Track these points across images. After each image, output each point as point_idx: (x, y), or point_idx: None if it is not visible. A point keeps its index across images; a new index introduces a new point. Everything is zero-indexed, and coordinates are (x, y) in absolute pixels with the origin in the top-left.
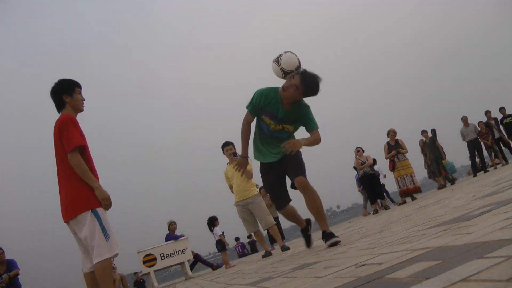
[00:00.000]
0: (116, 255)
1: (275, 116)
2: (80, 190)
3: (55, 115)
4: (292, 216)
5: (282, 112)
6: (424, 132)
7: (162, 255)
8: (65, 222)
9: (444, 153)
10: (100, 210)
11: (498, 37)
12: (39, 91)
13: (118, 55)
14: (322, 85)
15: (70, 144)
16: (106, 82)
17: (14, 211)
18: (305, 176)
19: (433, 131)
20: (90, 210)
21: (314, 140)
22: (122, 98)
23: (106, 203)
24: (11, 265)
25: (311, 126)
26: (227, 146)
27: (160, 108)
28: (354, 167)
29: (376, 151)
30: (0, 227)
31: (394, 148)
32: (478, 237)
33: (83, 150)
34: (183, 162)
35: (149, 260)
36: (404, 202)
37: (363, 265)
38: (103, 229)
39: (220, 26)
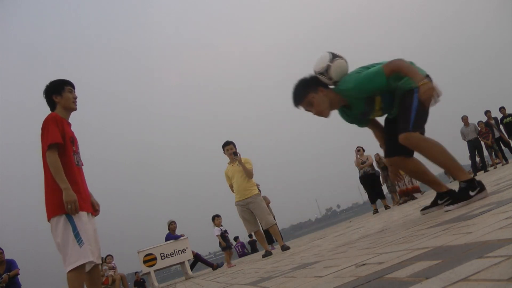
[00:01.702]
0: (91, 262)
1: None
2: (56, 192)
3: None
4: (417, 173)
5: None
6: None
7: (162, 254)
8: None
9: None
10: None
11: (498, 37)
12: (39, 90)
13: (118, 56)
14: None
15: (46, 141)
16: (106, 83)
17: (14, 210)
18: (409, 130)
19: None
20: (64, 214)
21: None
22: (122, 100)
23: (70, 207)
24: (10, 265)
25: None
26: (227, 145)
27: (161, 109)
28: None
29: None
30: (0, 226)
31: None
32: (478, 236)
33: (64, 150)
34: (184, 163)
35: (149, 259)
36: (404, 201)
37: (363, 264)
38: (77, 235)
39: (222, 26)
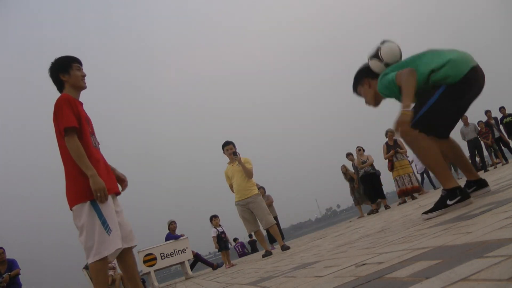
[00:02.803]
0: (119, 250)
1: None
2: (78, 178)
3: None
4: (457, 157)
5: None
6: (349, 155)
7: (162, 254)
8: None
9: None
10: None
11: (498, 36)
12: (38, 88)
13: (122, 48)
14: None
15: (61, 126)
16: (109, 76)
17: (15, 209)
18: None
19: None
20: (88, 201)
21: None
22: (122, 97)
23: (100, 195)
24: (12, 265)
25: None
26: (227, 145)
27: (161, 108)
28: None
29: (377, 151)
30: (1, 225)
31: (393, 148)
32: (478, 236)
33: (81, 133)
34: (184, 162)
35: (150, 259)
36: (404, 201)
37: (363, 264)
38: (104, 222)
39: (222, 21)
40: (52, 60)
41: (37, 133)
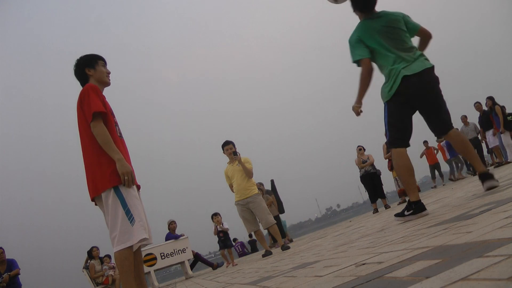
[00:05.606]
0: (143, 240)
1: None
2: (101, 165)
3: (54, 110)
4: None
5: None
6: (260, 185)
7: (162, 254)
8: (91, 201)
9: (278, 210)
10: (123, 188)
11: (497, 36)
12: (38, 90)
13: (119, 50)
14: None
15: (89, 111)
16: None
17: (15, 209)
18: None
19: (271, 182)
20: (111, 188)
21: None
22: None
23: (127, 178)
24: (11, 265)
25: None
26: (227, 145)
27: (161, 109)
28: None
29: (377, 151)
30: (1, 225)
31: None
32: (478, 236)
33: (107, 121)
34: (184, 162)
35: (150, 259)
36: (404, 201)
37: (363, 264)
38: (127, 211)
39: (221, 22)
40: (51, 59)
41: (38, 135)
